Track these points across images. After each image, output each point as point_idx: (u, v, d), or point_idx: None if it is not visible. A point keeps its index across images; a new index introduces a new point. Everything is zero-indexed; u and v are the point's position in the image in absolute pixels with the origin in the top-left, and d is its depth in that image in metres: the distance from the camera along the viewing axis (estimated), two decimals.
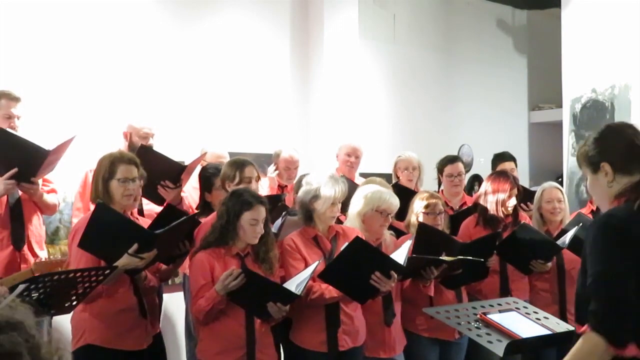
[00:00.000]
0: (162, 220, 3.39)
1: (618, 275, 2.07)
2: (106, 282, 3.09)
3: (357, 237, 3.37)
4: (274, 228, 3.61)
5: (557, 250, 4.16)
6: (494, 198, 4.31)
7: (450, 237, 4.03)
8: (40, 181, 3.85)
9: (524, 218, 4.46)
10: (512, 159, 5.65)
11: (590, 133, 2.37)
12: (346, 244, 3.39)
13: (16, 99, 3.88)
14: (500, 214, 4.31)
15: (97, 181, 3.26)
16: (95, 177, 3.29)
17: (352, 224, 3.75)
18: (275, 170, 5.21)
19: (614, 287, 2.07)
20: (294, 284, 3.28)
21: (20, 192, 3.85)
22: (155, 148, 4.27)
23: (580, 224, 4.19)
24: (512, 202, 4.30)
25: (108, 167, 3.24)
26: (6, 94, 3.87)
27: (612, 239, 2.12)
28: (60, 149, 3.72)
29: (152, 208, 4.09)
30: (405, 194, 4.33)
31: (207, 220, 3.57)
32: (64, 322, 3.37)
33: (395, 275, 3.39)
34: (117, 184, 3.23)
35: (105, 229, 3.10)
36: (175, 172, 4.01)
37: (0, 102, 3.85)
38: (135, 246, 3.09)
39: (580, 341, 2.10)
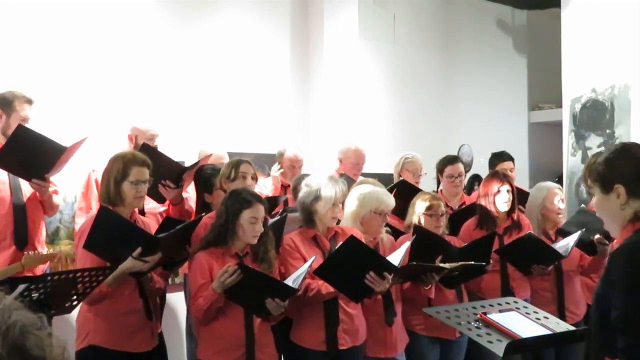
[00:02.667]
0: (162, 231, 3.39)
1: None
2: (111, 283, 3.10)
3: (351, 236, 3.38)
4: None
5: (559, 258, 4.20)
6: (486, 199, 4.37)
7: (446, 242, 4.02)
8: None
9: (524, 220, 4.46)
10: (510, 158, 5.65)
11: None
12: (341, 242, 3.40)
13: (29, 102, 3.89)
14: (495, 212, 4.34)
15: (108, 182, 3.24)
16: (106, 178, 3.27)
17: (348, 223, 3.75)
18: (280, 169, 5.21)
19: None
20: (291, 279, 3.28)
21: (25, 193, 3.86)
22: (157, 148, 4.29)
23: (584, 229, 4.19)
24: (503, 197, 4.33)
25: (121, 169, 3.22)
26: (20, 97, 3.87)
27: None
28: (72, 149, 3.74)
29: (153, 207, 4.09)
30: (411, 191, 4.34)
31: (206, 219, 3.57)
32: (67, 322, 3.38)
33: (389, 277, 3.40)
34: (129, 186, 3.22)
35: (109, 232, 3.10)
36: (177, 172, 4.02)
37: (14, 104, 3.85)
38: (139, 249, 3.08)
39: None
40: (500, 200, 4.34)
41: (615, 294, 2.05)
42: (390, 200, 3.78)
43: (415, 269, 3.68)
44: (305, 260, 3.48)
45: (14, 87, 4.00)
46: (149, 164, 3.32)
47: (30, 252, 3.35)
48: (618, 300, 2.03)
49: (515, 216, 4.40)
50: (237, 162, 3.90)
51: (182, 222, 3.66)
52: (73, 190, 4.78)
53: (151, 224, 3.49)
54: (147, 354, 3.35)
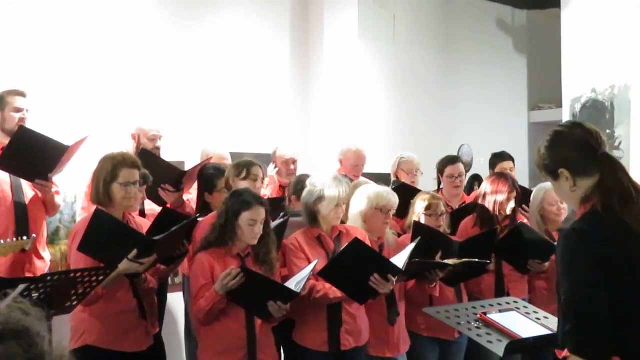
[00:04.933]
0: (161, 223, 3.39)
1: (586, 292, 2.05)
2: (106, 285, 3.09)
3: (355, 239, 3.37)
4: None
5: (554, 250, 4.17)
6: (493, 199, 4.33)
7: (446, 237, 4.02)
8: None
9: (522, 219, 4.46)
10: (510, 158, 5.66)
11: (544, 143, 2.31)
12: (346, 244, 3.39)
13: (20, 94, 3.91)
14: (498, 215, 4.32)
15: (97, 182, 3.25)
16: (95, 178, 3.28)
17: (354, 223, 3.75)
18: (275, 168, 5.21)
19: (583, 305, 2.05)
20: (294, 283, 3.28)
21: (27, 194, 3.85)
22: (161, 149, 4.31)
23: None
24: (511, 205, 4.31)
25: (110, 170, 3.23)
26: (10, 91, 3.91)
27: (578, 256, 2.08)
28: (73, 148, 3.74)
29: (153, 208, 4.09)
30: (410, 193, 4.34)
31: (206, 220, 3.57)
32: (63, 321, 3.37)
33: (394, 279, 3.40)
34: (118, 187, 3.23)
35: (104, 234, 3.10)
36: (175, 176, 4.02)
37: (5, 99, 3.88)
38: (134, 252, 3.08)
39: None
40: (508, 207, 4.32)
41: (561, 279, 2.13)
42: (392, 198, 3.78)
43: (418, 266, 3.68)
44: (309, 261, 3.48)
45: (13, 87, 4.01)
46: (138, 165, 3.31)
47: (1, 241, 3.28)
48: (564, 286, 2.12)
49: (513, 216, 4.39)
50: (248, 164, 3.88)
51: (179, 214, 3.67)
52: (73, 190, 4.77)
53: (146, 225, 3.48)
54: (142, 354, 3.35)
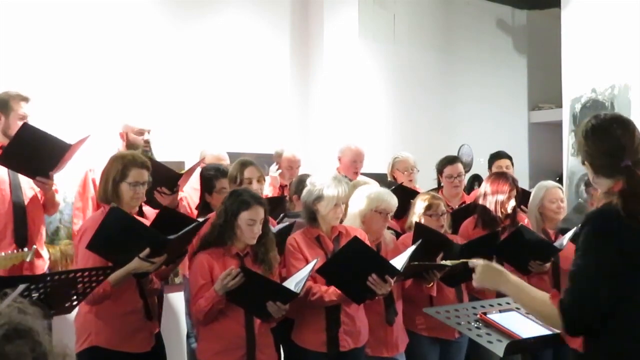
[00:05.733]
0: (160, 222, 3.39)
1: (592, 274, 2.11)
2: (115, 283, 3.10)
3: (355, 237, 3.37)
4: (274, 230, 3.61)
5: (555, 251, 4.18)
6: (494, 199, 4.32)
7: (447, 238, 4.01)
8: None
9: (522, 220, 4.46)
10: (507, 156, 5.69)
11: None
12: (345, 243, 3.39)
13: (25, 99, 3.87)
14: (499, 215, 4.32)
15: (106, 182, 3.25)
16: (104, 177, 3.28)
17: (352, 223, 3.75)
18: (278, 169, 5.22)
19: (588, 284, 2.11)
20: (293, 283, 3.28)
21: (25, 193, 3.85)
22: (152, 146, 4.32)
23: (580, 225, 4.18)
24: (512, 203, 4.31)
25: (120, 170, 3.23)
26: (15, 96, 3.85)
27: (598, 237, 2.14)
28: (75, 147, 3.73)
29: (147, 208, 4.10)
30: (410, 195, 4.34)
31: (208, 220, 3.57)
32: (63, 322, 3.37)
33: (392, 280, 3.39)
34: (127, 187, 3.23)
35: (117, 232, 3.09)
36: (172, 179, 4.02)
37: (10, 104, 3.82)
38: (147, 250, 3.08)
39: (551, 304, 2.17)
40: (509, 206, 4.32)
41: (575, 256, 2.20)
42: (392, 200, 3.78)
43: (417, 268, 3.68)
44: (307, 261, 3.48)
45: (12, 87, 3.99)
46: (148, 166, 3.32)
47: (2, 253, 3.29)
48: (574, 258, 2.19)
49: (513, 216, 4.39)
50: (242, 165, 3.89)
51: (179, 213, 3.70)
52: (73, 190, 4.78)
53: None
54: (146, 354, 3.35)
